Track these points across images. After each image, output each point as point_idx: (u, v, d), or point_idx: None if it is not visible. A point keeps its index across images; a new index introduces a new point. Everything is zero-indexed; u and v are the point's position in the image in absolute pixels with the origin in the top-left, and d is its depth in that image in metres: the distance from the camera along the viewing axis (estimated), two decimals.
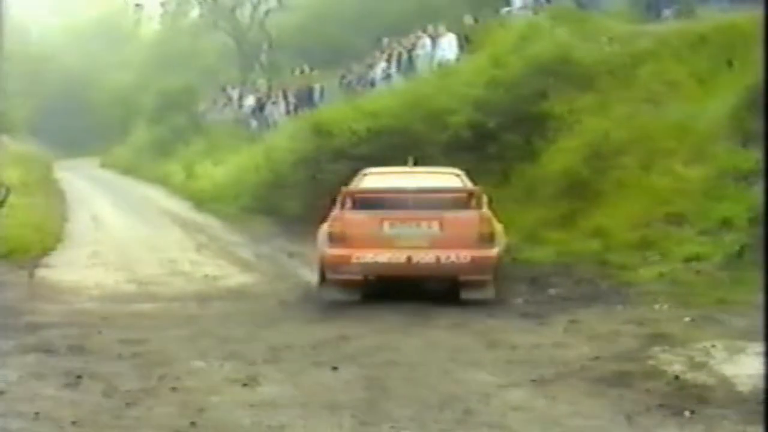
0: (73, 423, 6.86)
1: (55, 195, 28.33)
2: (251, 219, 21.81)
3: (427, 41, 24.09)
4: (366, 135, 18.42)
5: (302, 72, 33.16)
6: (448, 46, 22.90)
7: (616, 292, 11.35)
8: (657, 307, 10.41)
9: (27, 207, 20.72)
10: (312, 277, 13.59)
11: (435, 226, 11.61)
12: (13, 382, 8.07)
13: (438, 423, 6.75)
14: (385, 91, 23.11)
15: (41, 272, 15.38)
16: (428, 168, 13.91)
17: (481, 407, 7.11)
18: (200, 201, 26.36)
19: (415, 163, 13.95)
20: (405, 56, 25.07)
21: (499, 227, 11.98)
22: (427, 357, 8.87)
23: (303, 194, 19.61)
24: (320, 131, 20.28)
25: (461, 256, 11.35)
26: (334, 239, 11.78)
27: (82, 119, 51.64)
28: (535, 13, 20.64)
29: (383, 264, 11.49)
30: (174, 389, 7.74)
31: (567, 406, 7.09)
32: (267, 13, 41.39)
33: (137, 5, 51.24)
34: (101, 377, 8.17)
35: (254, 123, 34.11)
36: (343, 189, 12.26)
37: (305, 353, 9.10)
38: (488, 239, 11.54)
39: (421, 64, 23.76)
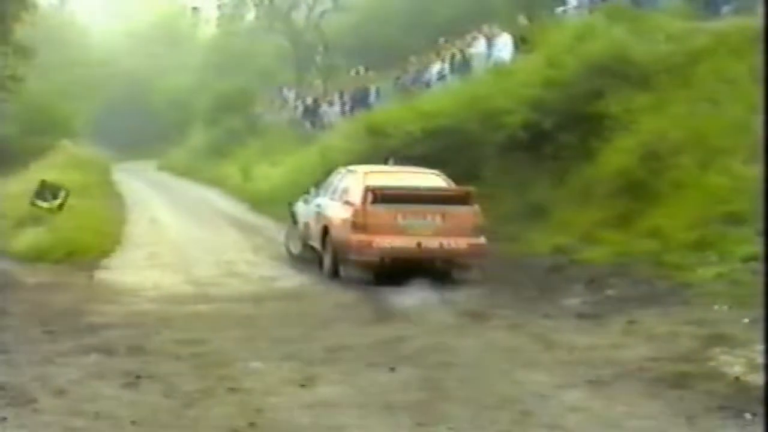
0: (133, 423, 6.92)
1: (114, 197, 28.58)
2: None
3: (483, 41, 24.01)
4: (421, 135, 18.41)
5: (357, 73, 33.23)
6: (504, 46, 22.81)
7: (674, 292, 11.23)
8: (716, 307, 10.28)
9: (86, 209, 20.91)
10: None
11: (438, 218, 13.88)
12: (74, 381, 8.17)
13: (495, 424, 6.74)
14: (441, 91, 23.05)
15: (101, 274, 15.53)
16: (410, 168, 16.05)
17: (539, 408, 7.09)
18: (256, 202, 26.47)
19: (391, 163, 16.73)
20: (460, 57, 25.00)
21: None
22: (484, 358, 8.87)
23: None
24: (375, 132, 20.32)
25: (459, 242, 13.68)
26: (357, 228, 13.79)
27: (141, 122, 52.12)
28: (591, 12, 20.48)
29: (397, 248, 13.59)
30: (232, 390, 7.79)
31: (625, 407, 7.04)
32: (322, 14, 41.55)
33: (194, 8, 51.76)
34: (160, 378, 8.24)
35: (309, 124, 34.22)
36: (367, 186, 14.03)
37: (362, 354, 9.12)
38: (479, 230, 13.91)
39: (476, 65, 23.69)
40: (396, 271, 13.39)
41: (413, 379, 8.04)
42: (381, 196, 13.87)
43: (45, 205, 19.37)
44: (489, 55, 23.34)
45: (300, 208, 17.36)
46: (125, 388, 7.93)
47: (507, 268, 13.86)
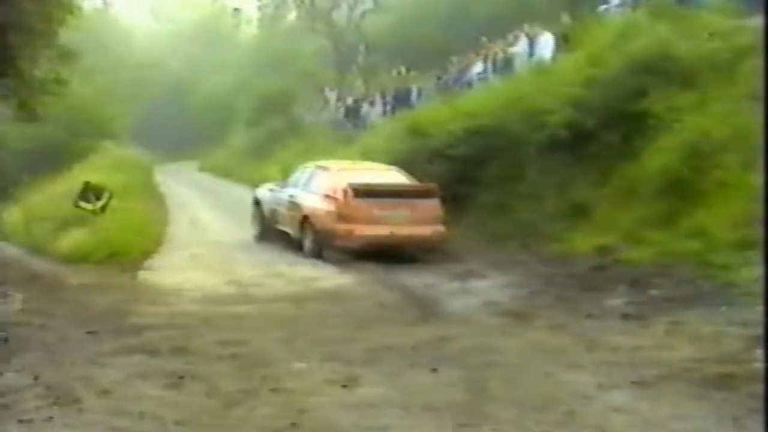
0: (177, 423, 6.98)
1: (156, 198, 28.77)
2: None
3: (524, 40, 23.95)
4: (463, 135, 18.36)
5: (398, 73, 33.22)
6: (545, 45, 22.74)
7: (719, 292, 11.12)
8: (760, 308, 10.19)
9: (129, 211, 21.08)
10: (410, 280, 13.75)
11: (408, 210, 16.64)
12: (118, 382, 8.24)
13: (539, 425, 6.73)
14: (482, 91, 23.01)
15: (143, 275, 15.65)
16: (372, 164, 19.54)
17: (583, 409, 7.07)
18: None
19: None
20: (502, 56, 24.96)
21: None
22: (527, 358, 8.84)
23: None
24: (417, 132, 20.30)
25: (425, 230, 16.52)
26: (341, 219, 16.53)
27: (182, 123, 52.39)
28: (634, 9, 20.34)
29: (374, 236, 16.21)
30: (274, 390, 7.83)
31: (670, 408, 7.01)
32: (363, 14, 41.62)
33: (236, 9, 51.97)
34: (203, 378, 8.29)
35: (351, 124, 34.25)
36: (348, 184, 16.64)
37: (404, 354, 9.13)
38: (441, 219, 16.70)
39: (517, 64, 23.63)
40: (370, 253, 15.96)
41: (456, 379, 8.04)
42: (361, 192, 16.59)
43: (88, 206, 19.57)
44: (531, 55, 23.28)
45: (265, 195, 20.27)
46: (168, 389, 7.99)
47: (549, 267, 13.81)
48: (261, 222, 20.13)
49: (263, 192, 20.49)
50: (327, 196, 17.06)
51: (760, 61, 9.64)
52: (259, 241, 19.77)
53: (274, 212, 19.40)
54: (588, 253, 14.06)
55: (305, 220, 17.51)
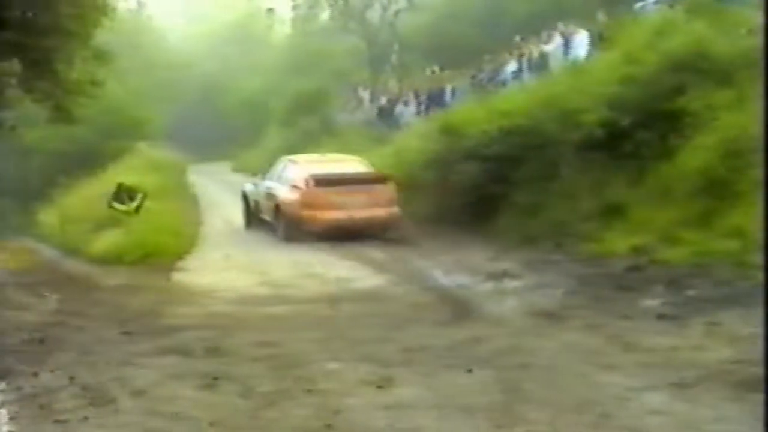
0: (211, 424, 7.01)
1: (189, 199, 28.89)
2: None
3: (559, 39, 23.89)
4: (497, 135, 18.31)
5: (432, 72, 33.21)
6: (580, 43, 22.68)
7: (756, 293, 10.95)
8: None
9: (162, 212, 21.19)
10: (444, 278, 13.74)
11: (364, 196, 19.15)
12: (152, 382, 8.30)
13: (574, 426, 6.70)
14: (517, 90, 22.95)
15: (177, 276, 15.74)
16: (337, 156, 22.58)
17: (619, 411, 7.03)
18: None
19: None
20: (536, 55, 24.90)
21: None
22: (562, 359, 8.81)
23: (434, 195, 19.66)
24: (451, 131, 20.27)
25: (380, 212, 19.03)
26: (306, 206, 19.03)
27: (215, 124, 52.48)
28: (671, 6, 20.22)
29: (335, 220, 18.70)
30: (309, 391, 7.85)
31: (708, 410, 6.96)
32: (397, 13, 41.61)
33: (269, 10, 52.13)
34: (237, 379, 8.33)
35: (384, 124, 34.24)
36: (310, 175, 19.31)
37: (439, 355, 9.12)
38: (394, 203, 19.26)
39: (552, 63, 23.57)
40: (334, 235, 18.35)
41: (491, 380, 8.03)
42: (321, 182, 19.13)
43: (122, 207, 19.70)
44: (566, 53, 23.21)
45: (250, 189, 22.81)
46: (203, 390, 8.03)
47: (584, 268, 13.76)
48: (248, 213, 22.87)
49: (249, 186, 23.03)
50: (294, 187, 19.64)
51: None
52: (247, 228, 22.65)
53: (257, 203, 21.98)
54: (623, 253, 13.99)
55: (278, 209, 20.04)
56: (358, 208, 18.84)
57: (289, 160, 21.38)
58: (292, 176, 20.14)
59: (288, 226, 19.38)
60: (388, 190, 19.28)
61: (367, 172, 20.39)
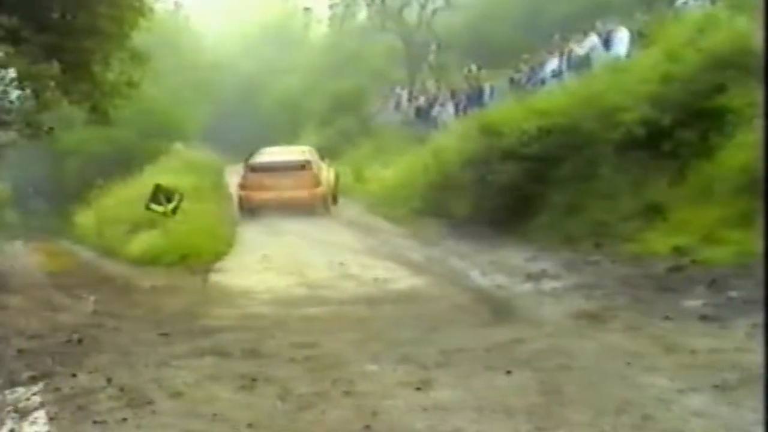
0: (249, 425, 7.03)
1: (226, 200, 28.99)
2: (421, 221, 21.83)
3: (599, 38, 23.77)
4: (536, 134, 18.24)
5: (470, 71, 33.13)
6: (621, 41, 22.54)
7: None
8: None
9: (199, 213, 21.34)
10: (483, 279, 13.71)
11: (290, 179, 24.46)
12: (190, 384, 8.34)
13: (615, 429, 6.66)
14: (556, 89, 22.86)
15: (214, 277, 15.83)
16: (292, 147, 29.31)
17: (661, 413, 6.98)
18: (369, 204, 26.56)
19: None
20: (576, 54, 24.79)
21: (325, 177, 25.79)
22: (603, 361, 8.76)
23: (472, 195, 19.61)
24: (489, 131, 20.20)
25: (303, 193, 24.30)
26: (243, 187, 25.32)
27: (252, 124, 52.54)
28: (712, 2, 20.09)
29: (265, 199, 24.28)
30: (347, 393, 7.85)
31: (752, 413, 6.88)
32: (434, 12, 41.56)
33: (306, 9, 52.21)
34: (275, 381, 8.35)
35: (422, 124, 34.22)
36: (247, 162, 25.96)
37: (478, 357, 9.10)
38: (317, 184, 24.76)
39: (592, 61, 23.45)
40: (266, 209, 23.80)
41: (531, 382, 7.99)
42: (255, 168, 25.41)
43: (159, 208, 19.86)
44: (605, 52, 23.09)
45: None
46: (241, 391, 8.06)
47: (624, 268, 13.68)
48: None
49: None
50: (242, 173, 25.96)
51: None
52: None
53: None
54: (664, 253, 13.88)
55: (237, 191, 26.31)
56: (284, 189, 24.26)
57: (257, 152, 27.37)
58: (246, 164, 26.21)
59: (238, 203, 25.69)
60: (311, 175, 24.92)
61: (294, 159, 25.89)
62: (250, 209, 24.80)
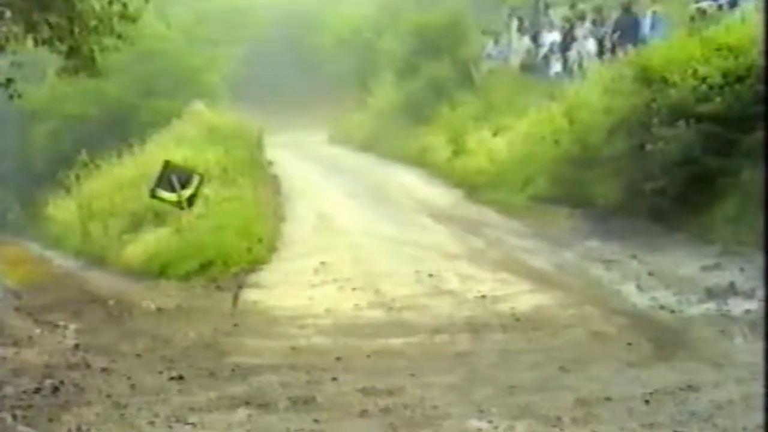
0: None
1: (266, 183, 29.12)
2: (548, 212, 21.72)
3: None
4: (721, 83, 18.10)
5: None
6: None
7: None
8: None
9: (228, 201, 21.46)
10: (639, 297, 13.68)
11: None
12: None
13: None
14: (751, 14, 22.62)
15: (249, 294, 15.96)
16: None
17: None
18: (473, 187, 26.46)
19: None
20: None
21: None
22: None
23: (624, 174, 19.51)
24: (651, 79, 20.07)
25: None
26: None
27: (303, 75, 52.65)
28: None
29: None
30: None
31: None
32: None
33: None
34: None
35: (552, 70, 34.12)
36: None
37: (633, 410, 9.11)
38: None
39: None
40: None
41: None
42: None
43: (170, 196, 19.97)
44: None
45: None
46: None
47: None
48: None
49: None
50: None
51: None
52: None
53: None
54: None
55: None
56: None
57: None
58: None
59: None
60: None
61: None
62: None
